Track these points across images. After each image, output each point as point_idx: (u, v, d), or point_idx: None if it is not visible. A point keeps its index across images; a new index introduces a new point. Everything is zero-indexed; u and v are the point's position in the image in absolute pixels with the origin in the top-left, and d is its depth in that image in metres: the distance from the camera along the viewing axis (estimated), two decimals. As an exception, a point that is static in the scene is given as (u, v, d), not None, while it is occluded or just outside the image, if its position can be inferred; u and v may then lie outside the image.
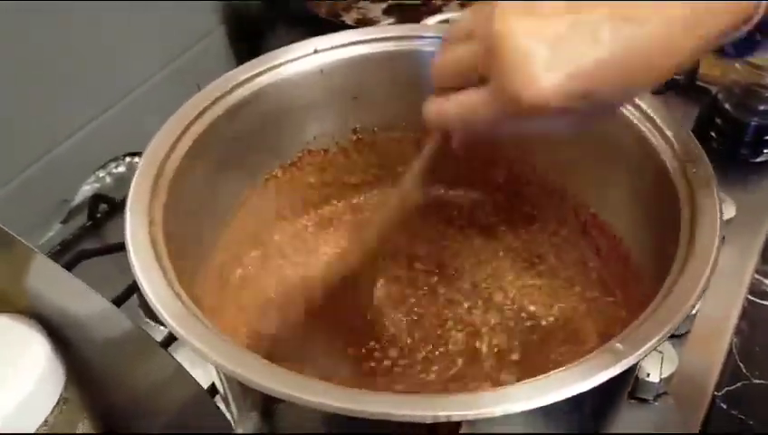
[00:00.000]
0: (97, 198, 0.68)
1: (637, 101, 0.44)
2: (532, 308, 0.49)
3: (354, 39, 0.50)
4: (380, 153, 0.54)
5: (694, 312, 0.57)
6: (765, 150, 0.70)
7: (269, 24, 0.89)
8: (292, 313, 0.48)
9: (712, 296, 0.59)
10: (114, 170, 0.76)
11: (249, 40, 0.87)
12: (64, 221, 0.70)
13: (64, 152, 0.69)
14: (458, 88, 0.37)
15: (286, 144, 0.52)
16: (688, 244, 0.36)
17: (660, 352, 0.53)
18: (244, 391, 0.40)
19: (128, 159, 0.77)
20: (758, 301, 0.62)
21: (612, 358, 0.31)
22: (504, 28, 0.32)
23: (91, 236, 0.68)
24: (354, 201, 0.56)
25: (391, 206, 0.45)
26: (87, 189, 0.74)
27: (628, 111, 0.44)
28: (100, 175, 0.75)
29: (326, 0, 0.84)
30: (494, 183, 0.55)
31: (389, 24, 0.83)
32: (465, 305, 0.50)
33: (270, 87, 0.49)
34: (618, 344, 0.32)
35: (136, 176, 0.42)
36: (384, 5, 0.84)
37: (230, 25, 0.83)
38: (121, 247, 0.61)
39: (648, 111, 0.44)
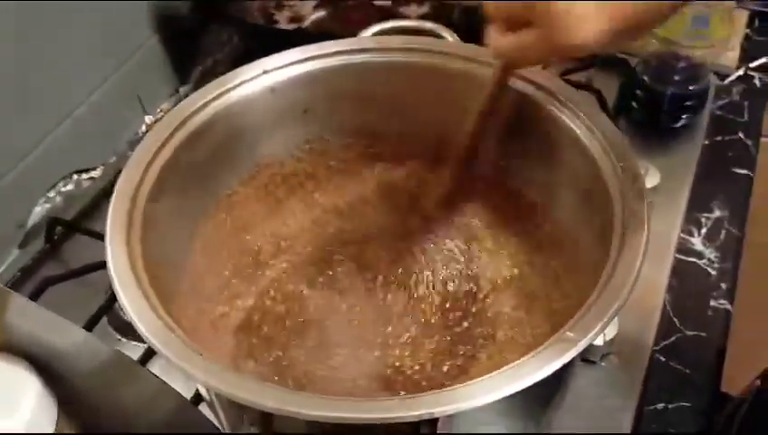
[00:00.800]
0: (54, 222, 0.69)
1: (569, 102, 0.48)
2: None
3: (301, 57, 0.53)
4: (334, 157, 0.57)
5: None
6: (683, 116, 0.76)
7: (202, 26, 0.90)
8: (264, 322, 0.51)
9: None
10: (63, 189, 0.77)
11: (184, 45, 0.87)
12: (21, 246, 0.71)
13: (15, 177, 0.69)
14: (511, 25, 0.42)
15: (244, 161, 0.54)
16: (621, 236, 0.41)
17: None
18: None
19: (75, 176, 0.78)
20: (685, 258, 0.67)
21: (566, 346, 0.35)
22: None
23: (50, 259, 0.69)
24: (313, 204, 0.59)
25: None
26: (39, 211, 0.74)
27: (567, 117, 0.48)
28: (51, 195, 0.76)
29: (257, 0, 0.85)
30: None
31: (321, 18, 0.85)
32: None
33: (223, 111, 0.51)
34: (569, 333, 0.36)
35: (111, 210, 0.44)
36: (314, 2, 0.86)
37: (163, 33, 0.84)
38: (84, 271, 0.64)
39: (581, 113, 0.48)
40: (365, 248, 0.58)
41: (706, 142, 0.76)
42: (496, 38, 0.44)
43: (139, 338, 0.61)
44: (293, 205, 0.58)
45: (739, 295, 0.65)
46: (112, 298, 0.62)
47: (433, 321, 0.53)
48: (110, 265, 0.42)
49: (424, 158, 0.57)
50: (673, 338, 0.61)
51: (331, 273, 0.56)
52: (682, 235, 0.69)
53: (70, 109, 0.74)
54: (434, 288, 0.55)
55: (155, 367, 0.57)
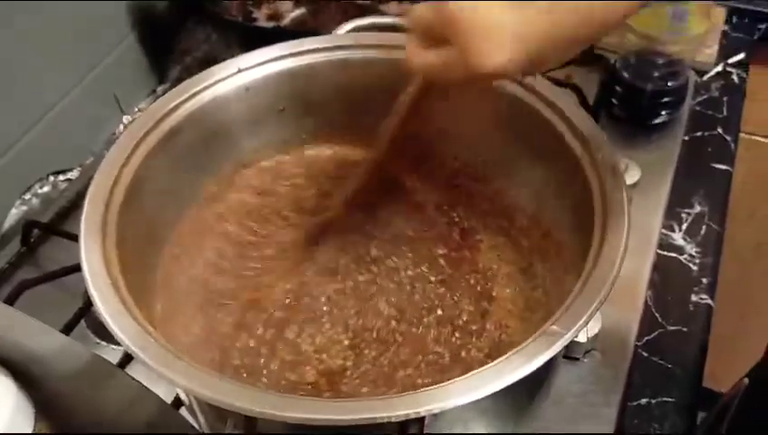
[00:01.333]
0: (30, 225, 0.67)
1: (550, 97, 0.48)
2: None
3: (275, 55, 0.52)
4: (310, 159, 0.57)
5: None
6: (662, 112, 0.76)
7: (179, 23, 0.89)
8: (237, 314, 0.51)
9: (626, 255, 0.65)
10: (40, 191, 0.76)
11: (162, 43, 0.86)
12: (-3, 249, 0.70)
13: (-11, 179, 0.68)
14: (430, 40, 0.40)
15: (220, 161, 0.53)
16: (602, 229, 0.41)
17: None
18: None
19: (52, 178, 0.77)
20: (666, 253, 0.68)
21: (551, 339, 0.35)
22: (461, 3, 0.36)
23: (27, 262, 0.68)
24: (291, 203, 0.58)
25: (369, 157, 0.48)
26: (15, 213, 0.73)
27: (545, 110, 0.48)
28: (27, 197, 0.74)
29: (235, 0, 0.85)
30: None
31: (301, 15, 0.85)
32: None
33: (198, 111, 0.50)
34: (553, 326, 0.36)
35: (84, 215, 0.43)
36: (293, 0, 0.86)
37: (140, 30, 0.83)
38: (61, 274, 0.63)
39: (561, 107, 0.48)
40: (348, 243, 0.57)
41: (686, 138, 0.77)
42: (413, 52, 0.41)
43: (117, 342, 0.60)
44: (272, 205, 0.58)
45: (719, 291, 0.65)
46: (89, 302, 0.60)
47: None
48: (85, 270, 0.41)
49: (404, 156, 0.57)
50: (655, 333, 0.62)
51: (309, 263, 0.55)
52: (663, 230, 0.69)
53: (45, 109, 0.73)
54: (413, 287, 0.54)
55: (134, 371, 0.56)
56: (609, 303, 0.61)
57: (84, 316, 0.60)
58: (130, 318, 0.39)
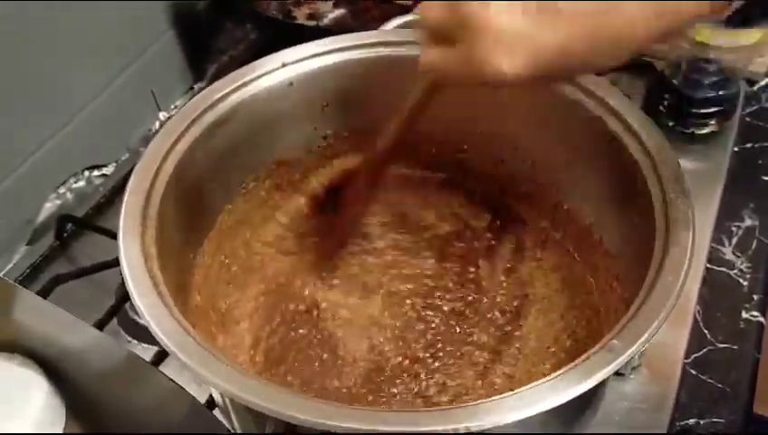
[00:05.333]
0: (64, 218, 0.67)
1: (604, 97, 0.46)
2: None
3: (320, 50, 0.51)
4: (352, 156, 0.55)
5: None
6: (712, 122, 0.74)
7: (217, 23, 0.88)
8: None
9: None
10: (74, 186, 0.75)
11: (199, 41, 0.86)
12: (30, 243, 0.69)
13: (25, 173, 0.68)
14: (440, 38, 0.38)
15: (261, 156, 0.52)
16: (665, 239, 0.39)
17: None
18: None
19: (86, 173, 0.77)
20: (715, 268, 0.65)
21: (610, 356, 0.33)
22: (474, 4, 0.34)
23: (60, 256, 0.67)
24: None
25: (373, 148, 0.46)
26: (49, 207, 0.73)
27: (597, 109, 0.46)
28: (62, 192, 0.74)
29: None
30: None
31: (341, 15, 0.84)
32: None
33: (241, 105, 0.49)
34: (614, 341, 0.34)
35: (125, 203, 0.42)
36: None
37: (178, 29, 0.82)
38: (96, 269, 0.62)
39: (614, 105, 0.46)
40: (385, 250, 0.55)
41: (736, 149, 0.74)
42: (424, 50, 0.40)
43: (149, 340, 0.59)
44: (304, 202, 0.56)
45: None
46: (123, 298, 0.60)
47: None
48: (123, 263, 0.40)
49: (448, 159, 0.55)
50: (704, 350, 0.59)
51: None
52: (712, 244, 0.66)
53: (82, 104, 0.73)
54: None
55: (167, 370, 0.55)
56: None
57: (117, 314, 0.59)
58: (168, 314, 0.38)
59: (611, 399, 0.54)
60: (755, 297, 0.63)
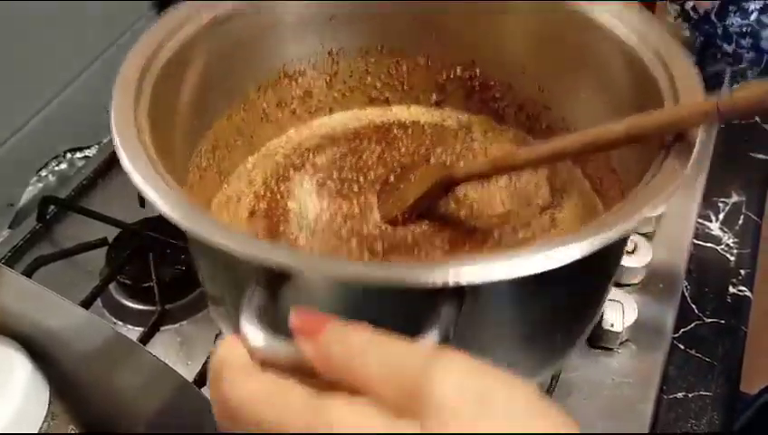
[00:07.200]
0: (46, 200, 0.66)
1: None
2: None
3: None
4: (357, 75, 0.52)
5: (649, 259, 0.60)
6: (698, 99, 0.74)
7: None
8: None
9: (662, 245, 0.62)
10: (56, 168, 0.74)
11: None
12: (12, 226, 0.68)
13: (4, 155, 0.67)
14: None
15: (263, 66, 0.49)
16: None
17: (621, 302, 0.56)
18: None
19: (68, 155, 0.75)
20: (703, 243, 0.65)
21: (631, 208, 0.32)
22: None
23: (43, 239, 0.66)
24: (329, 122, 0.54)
25: None
26: (31, 190, 0.72)
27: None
28: (44, 175, 0.73)
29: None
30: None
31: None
32: None
33: (246, 5, 0.46)
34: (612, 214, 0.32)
35: (116, 86, 0.40)
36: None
37: (158, 9, 0.81)
38: (78, 251, 0.61)
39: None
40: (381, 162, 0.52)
41: (723, 126, 0.74)
42: None
43: (134, 322, 0.58)
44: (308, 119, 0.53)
45: (757, 289, 0.63)
46: (107, 279, 0.59)
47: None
48: (114, 133, 0.37)
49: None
50: (692, 325, 0.59)
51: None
52: (699, 220, 0.66)
53: (62, 85, 0.71)
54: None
55: (154, 349, 0.54)
56: (645, 292, 0.61)
57: (101, 295, 0.58)
58: (159, 178, 0.34)
59: (599, 373, 0.54)
60: (742, 272, 0.63)
